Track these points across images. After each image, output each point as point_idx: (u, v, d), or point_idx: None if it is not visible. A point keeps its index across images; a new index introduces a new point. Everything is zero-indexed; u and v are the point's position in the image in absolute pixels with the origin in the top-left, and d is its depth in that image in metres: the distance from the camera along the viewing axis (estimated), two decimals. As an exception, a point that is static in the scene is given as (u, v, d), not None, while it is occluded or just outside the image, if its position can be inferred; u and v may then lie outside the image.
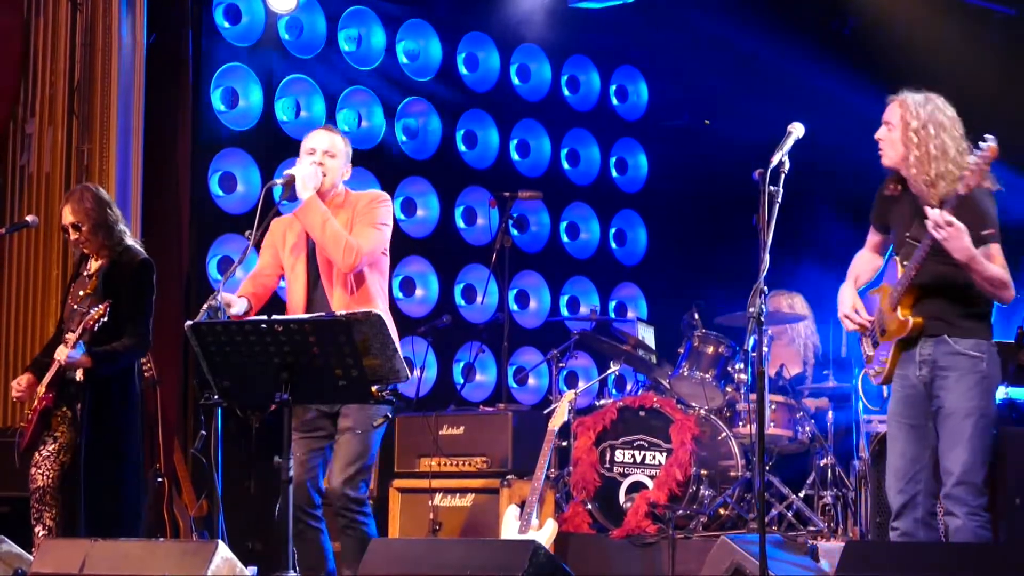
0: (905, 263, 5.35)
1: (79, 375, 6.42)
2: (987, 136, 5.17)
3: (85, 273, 6.61)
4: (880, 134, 5.45)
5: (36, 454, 6.46)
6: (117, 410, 6.49)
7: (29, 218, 7.43)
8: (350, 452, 5.76)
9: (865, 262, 5.71)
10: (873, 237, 5.71)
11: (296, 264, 5.92)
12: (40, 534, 6.38)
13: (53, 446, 6.46)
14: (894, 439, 5.46)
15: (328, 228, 5.72)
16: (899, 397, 5.45)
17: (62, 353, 6.28)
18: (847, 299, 5.58)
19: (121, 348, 6.42)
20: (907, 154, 5.35)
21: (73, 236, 6.55)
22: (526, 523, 6.97)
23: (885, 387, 5.72)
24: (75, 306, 6.53)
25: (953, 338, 5.31)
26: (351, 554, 5.74)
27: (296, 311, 5.86)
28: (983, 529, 5.21)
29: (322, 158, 5.89)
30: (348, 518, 5.77)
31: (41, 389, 6.44)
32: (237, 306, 5.74)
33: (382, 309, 5.80)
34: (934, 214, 5.14)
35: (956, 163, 5.28)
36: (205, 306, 5.43)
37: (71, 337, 6.29)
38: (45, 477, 6.44)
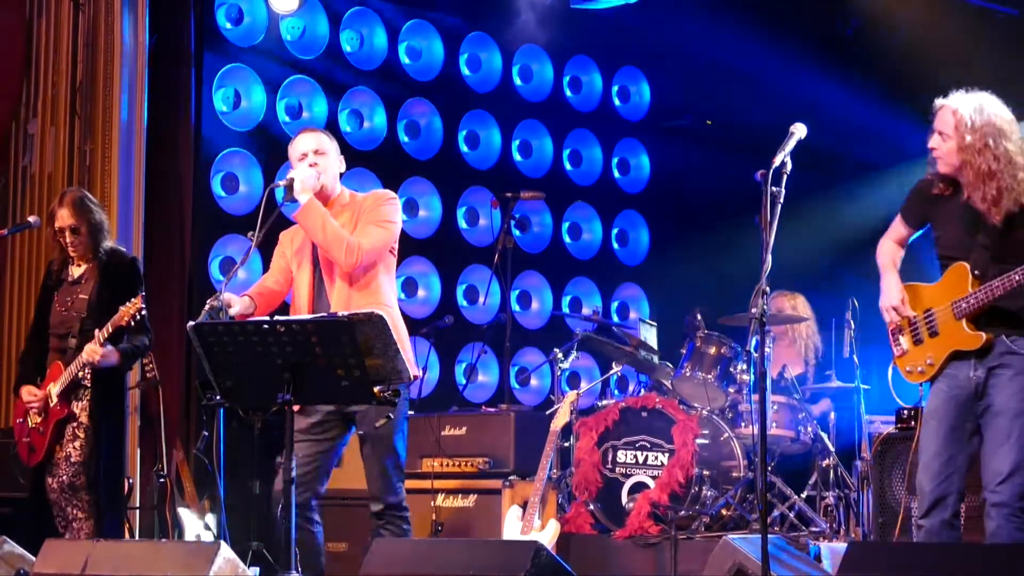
0: (976, 272, 5.28)
1: (87, 379, 6.45)
2: None
3: (68, 280, 6.63)
4: (933, 143, 5.35)
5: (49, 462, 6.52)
6: (113, 410, 6.54)
7: (31, 219, 7.43)
8: (382, 458, 5.75)
9: (892, 253, 5.62)
10: (901, 230, 5.61)
11: (302, 266, 5.93)
12: (79, 517, 6.43)
13: (60, 453, 6.49)
14: (930, 438, 5.37)
15: (328, 228, 5.73)
16: (944, 397, 5.37)
17: (94, 353, 6.30)
18: (895, 291, 5.49)
19: (140, 345, 6.54)
20: (963, 167, 5.27)
21: (69, 239, 6.56)
22: (528, 524, 6.97)
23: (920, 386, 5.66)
24: (64, 312, 6.56)
25: (1010, 338, 5.26)
26: None
27: (301, 311, 5.87)
28: (1020, 531, 5.16)
29: (314, 158, 5.90)
30: (385, 519, 5.78)
31: (53, 400, 6.45)
32: (237, 305, 5.74)
33: (390, 304, 5.81)
34: None
35: (1022, 168, 5.23)
36: (207, 306, 5.43)
37: (99, 335, 6.32)
38: (61, 478, 6.46)
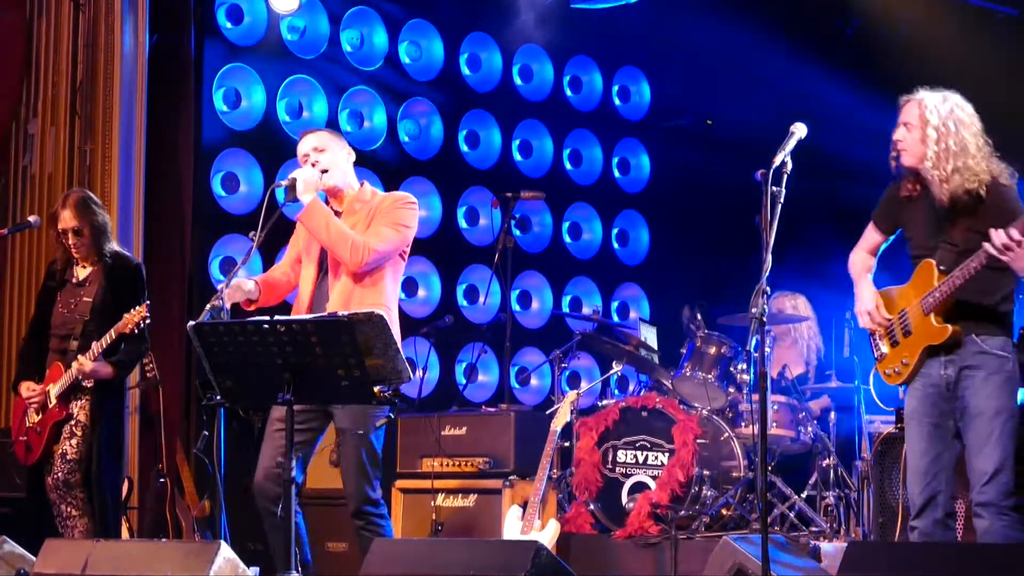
0: (942, 268, 5.31)
1: (88, 382, 6.46)
2: None
3: (73, 281, 6.63)
4: (899, 135, 5.42)
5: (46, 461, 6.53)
6: (112, 410, 6.55)
7: (31, 219, 7.44)
8: (358, 455, 5.76)
9: (864, 262, 5.69)
10: (874, 237, 5.67)
11: (309, 256, 5.92)
12: (73, 515, 6.43)
13: (56, 450, 6.51)
14: (914, 439, 5.40)
15: (332, 229, 5.71)
16: (921, 396, 5.40)
17: (86, 365, 6.33)
18: (868, 297, 5.55)
19: (134, 354, 6.58)
20: (926, 152, 5.34)
21: (72, 241, 6.57)
22: (528, 523, 6.97)
23: (900, 388, 5.68)
24: (66, 313, 6.57)
25: (980, 337, 5.29)
26: (367, 551, 5.74)
27: (302, 301, 5.87)
28: (1011, 529, 5.19)
29: (315, 156, 5.90)
30: (364, 520, 5.78)
31: (52, 401, 6.46)
32: (249, 284, 5.75)
33: (389, 306, 5.80)
34: (999, 237, 5.08)
35: (975, 159, 5.29)
36: (208, 306, 5.43)
37: (95, 347, 6.36)
38: (56, 475, 6.47)
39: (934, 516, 5.33)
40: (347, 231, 5.73)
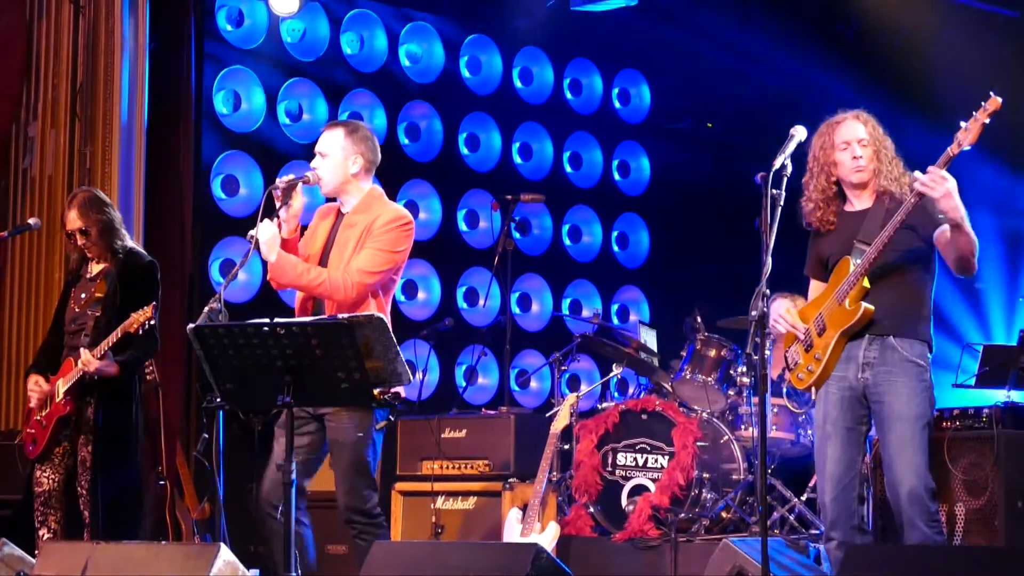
0: (857, 262, 5.27)
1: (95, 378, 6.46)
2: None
3: (87, 276, 6.63)
4: (858, 152, 5.38)
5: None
6: (124, 412, 6.53)
7: (32, 221, 7.44)
8: (346, 465, 5.72)
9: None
10: (818, 287, 5.58)
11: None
12: (45, 537, 6.39)
13: (58, 449, 6.49)
14: (827, 443, 5.36)
15: (304, 280, 5.68)
16: (835, 400, 5.36)
17: (91, 364, 6.30)
18: (777, 305, 5.63)
19: (141, 353, 6.54)
20: (880, 168, 5.37)
21: (80, 242, 6.57)
22: (528, 526, 6.97)
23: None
24: (77, 309, 6.56)
25: (898, 339, 5.26)
26: (362, 559, 5.73)
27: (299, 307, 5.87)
28: (939, 535, 5.19)
29: (316, 161, 5.92)
30: (357, 528, 5.76)
31: (59, 396, 6.45)
32: (299, 201, 5.77)
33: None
34: (929, 171, 5.05)
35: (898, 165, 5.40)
36: (206, 308, 5.43)
37: (102, 345, 6.33)
38: (51, 481, 6.47)
39: (851, 524, 5.31)
40: (322, 276, 5.69)
